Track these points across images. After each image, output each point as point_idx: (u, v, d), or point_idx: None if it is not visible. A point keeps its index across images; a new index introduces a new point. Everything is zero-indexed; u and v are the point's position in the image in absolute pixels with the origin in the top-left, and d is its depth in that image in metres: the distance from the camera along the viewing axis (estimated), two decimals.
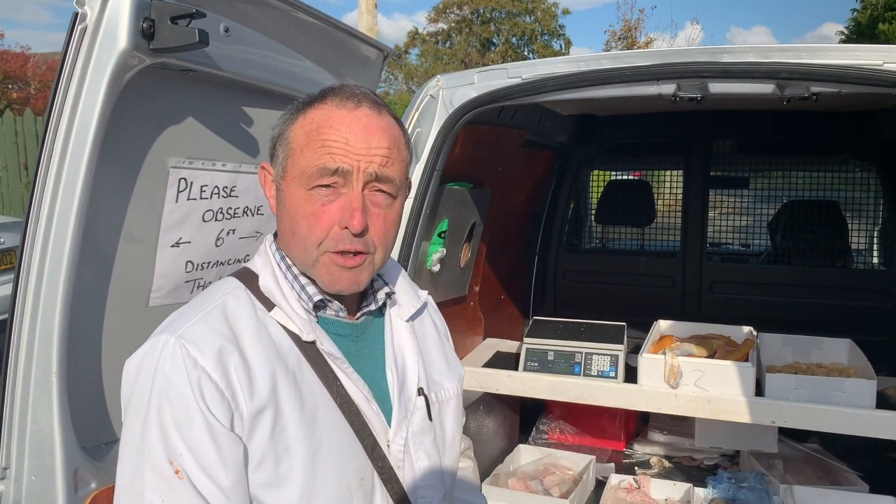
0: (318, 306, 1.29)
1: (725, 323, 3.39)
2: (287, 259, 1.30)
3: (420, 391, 1.37)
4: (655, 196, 4.70)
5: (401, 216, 1.32)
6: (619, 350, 3.09)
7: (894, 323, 3.84)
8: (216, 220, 1.95)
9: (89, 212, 1.54)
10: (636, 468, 3.44)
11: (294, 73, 2.02)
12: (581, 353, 3.11)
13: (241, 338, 1.19)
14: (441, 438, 1.41)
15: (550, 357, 3.14)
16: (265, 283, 1.28)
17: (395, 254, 2.08)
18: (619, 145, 4.58)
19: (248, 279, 1.30)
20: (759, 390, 2.84)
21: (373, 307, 1.37)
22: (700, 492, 2.96)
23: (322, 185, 1.21)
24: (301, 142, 1.23)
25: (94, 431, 1.73)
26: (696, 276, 4.32)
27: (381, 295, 1.38)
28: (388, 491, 1.29)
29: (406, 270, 1.80)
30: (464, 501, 1.62)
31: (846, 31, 21.39)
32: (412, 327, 1.42)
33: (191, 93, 1.77)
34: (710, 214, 4.44)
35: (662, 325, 3.47)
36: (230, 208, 1.98)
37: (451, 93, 2.60)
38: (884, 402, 2.76)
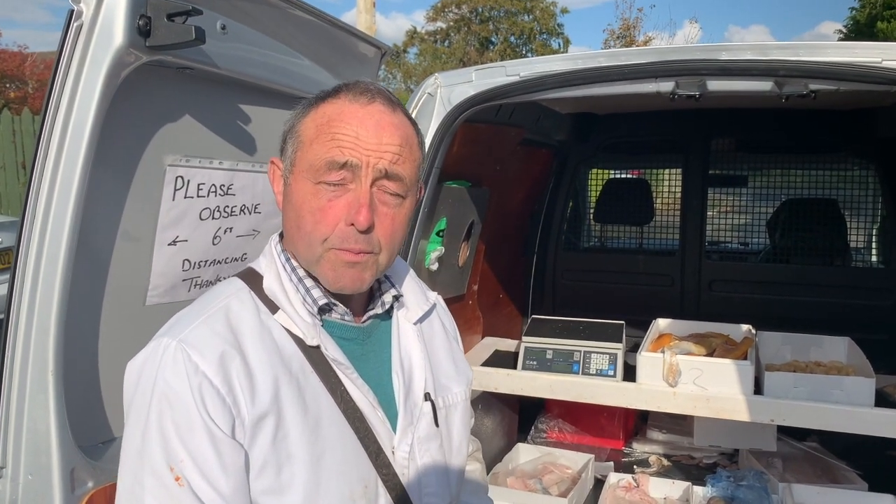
0: (324, 310, 1.27)
1: (724, 321, 3.39)
2: (292, 260, 1.28)
3: (427, 396, 1.35)
4: (654, 194, 4.69)
5: (409, 218, 1.29)
6: (618, 349, 3.08)
7: (893, 321, 3.84)
8: (213, 218, 1.94)
9: (85, 210, 1.53)
10: (635, 467, 3.43)
11: (291, 70, 2.02)
12: (580, 351, 3.10)
13: (243, 342, 1.17)
14: (448, 444, 1.39)
15: (549, 356, 3.14)
16: (269, 284, 1.26)
17: None
18: (617, 144, 4.58)
19: (253, 280, 1.27)
20: (758, 389, 2.84)
21: (379, 310, 1.35)
22: (699, 490, 2.96)
23: (330, 182, 1.18)
24: (311, 135, 1.21)
25: (90, 430, 1.72)
26: (695, 274, 4.32)
27: (388, 297, 1.35)
28: (392, 499, 1.27)
29: None
30: None
31: (844, 30, 21.40)
32: (420, 330, 1.40)
33: (187, 90, 1.76)
34: (709, 213, 4.44)
35: (661, 324, 3.46)
36: (227, 206, 1.98)
37: (448, 91, 2.59)
38: (883, 400, 2.76)
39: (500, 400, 3.50)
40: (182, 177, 1.81)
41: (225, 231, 2.00)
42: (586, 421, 3.68)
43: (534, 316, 3.51)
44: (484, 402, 3.36)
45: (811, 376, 2.80)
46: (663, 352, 2.93)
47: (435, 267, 3.04)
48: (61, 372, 1.55)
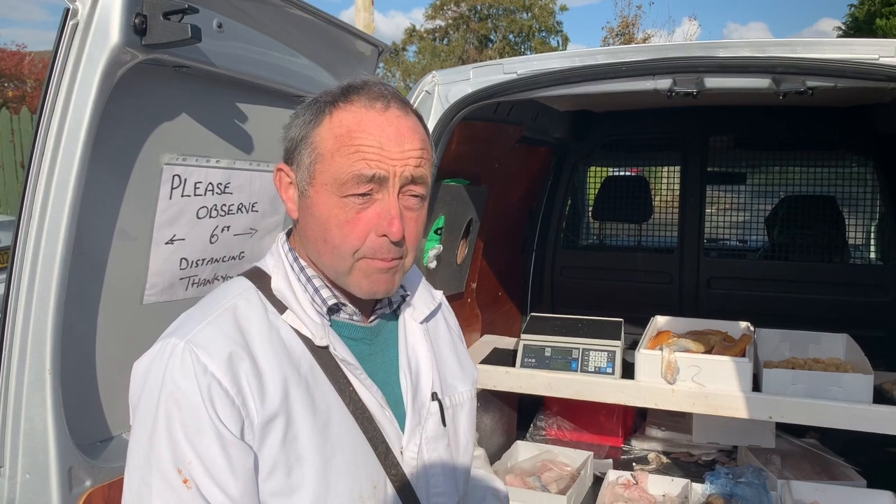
0: (332, 310, 1.26)
1: (723, 318, 3.39)
2: (301, 260, 1.27)
3: (434, 396, 1.35)
4: (653, 192, 4.69)
5: (427, 216, 1.30)
6: (617, 346, 3.09)
7: (891, 317, 3.84)
8: (210, 216, 1.94)
9: (82, 209, 1.53)
10: (634, 464, 3.43)
11: (288, 69, 2.02)
12: (578, 349, 3.11)
13: (251, 342, 1.17)
14: (455, 443, 1.39)
15: (548, 353, 3.14)
16: (278, 285, 1.25)
17: None
18: (615, 141, 4.58)
19: (260, 280, 1.27)
20: (757, 385, 2.84)
21: (387, 310, 1.35)
22: (698, 487, 2.96)
23: (357, 195, 1.17)
24: (330, 147, 1.18)
25: (88, 429, 1.72)
26: (694, 271, 4.32)
27: (395, 296, 1.35)
28: (401, 498, 1.26)
29: None
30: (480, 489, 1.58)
31: (843, 27, 21.40)
32: (426, 329, 1.40)
33: (184, 89, 1.76)
34: (708, 210, 4.44)
35: (660, 321, 3.47)
36: (224, 205, 1.98)
37: (446, 88, 2.59)
38: (881, 396, 2.76)
39: (499, 398, 3.50)
40: (179, 175, 1.81)
41: (222, 229, 2.00)
42: (585, 418, 3.68)
43: (532, 313, 3.51)
44: (483, 399, 3.36)
45: (809, 373, 2.80)
46: (662, 349, 2.93)
47: (433, 265, 3.04)
48: (59, 371, 1.54)
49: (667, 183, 4.73)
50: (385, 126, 1.17)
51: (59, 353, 1.54)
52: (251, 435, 1.13)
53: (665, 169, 4.85)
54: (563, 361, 3.10)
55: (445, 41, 32.08)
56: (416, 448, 1.30)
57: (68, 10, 1.47)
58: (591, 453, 3.32)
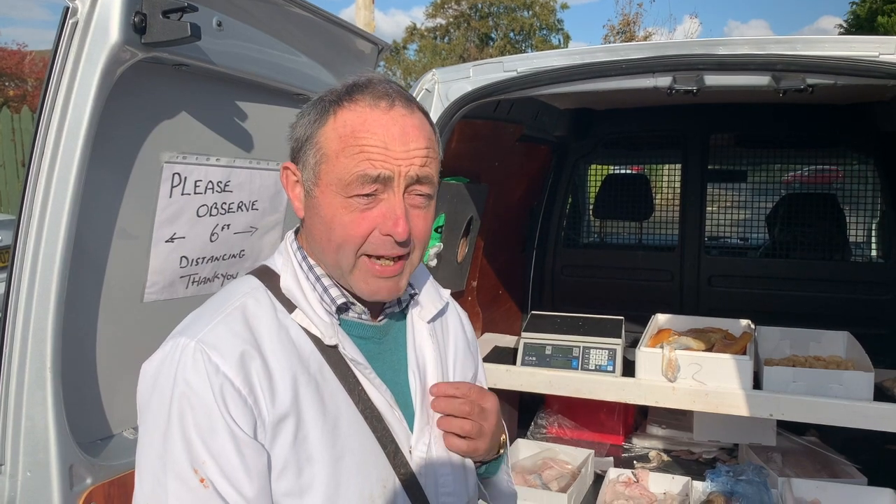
0: (341, 309, 1.26)
1: (723, 316, 3.39)
2: (309, 259, 1.27)
3: None
4: (653, 190, 4.69)
5: (435, 213, 1.29)
6: (617, 344, 3.09)
7: (892, 315, 3.84)
8: (210, 215, 1.94)
9: (82, 208, 1.53)
10: (635, 462, 3.43)
11: (287, 67, 2.02)
12: (579, 347, 3.11)
13: (261, 342, 1.16)
14: None
15: (548, 351, 3.14)
16: (287, 284, 1.25)
17: None
18: (616, 139, 4.58)
19: (268, 279, 1.26)
20: (757, 383, 2.84)
21: (396, 309, 1.35)
22: (698, 485, 2.96)
23: (362, 195, 1.16)
24: (335, 147, 1.17)
25: (89, 427, 1.73)
26: (695, 269, 4.32)
27: (404, 295, 1.35)
28: (409, 498, 1.26)
29: None
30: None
31: (845, 25, 21.35)
32: (433, 329, 1.39)
33: (184, 87, 1.76)
34: (709, 208, 4.44)
35: (660, 319, 3.46)
36: (224, 203, 1.98)
37: (446, 87, 2.59)
38: (881, 394, 2.76)
39: (500, 396, 3.47)
40: (179, 174, 1.81)
41: (222, 228, 2.00)
42: (586, 416, 3.68)
43: (533, 312, 3.51)
44: None
45: (810, 371, 2.80)
46: (662, 347, 2.93)
47: (433, 263, 3.04)
48: (59, 369, 1.55)
49: (667, 181, 4.72)
50: (390, 125, 1.17)
51: (59, 352, 1.54)
52: (263, 434, 1.13)
53: (666, 167, 4.85)
54: (564, 359, 3.10)
55: (446, 39, 32.05)
56: (424, 447, 1.29)
57: (68, 8, 1.47)
58: (592, 451, 3.32)
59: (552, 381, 3.08)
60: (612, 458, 3.42)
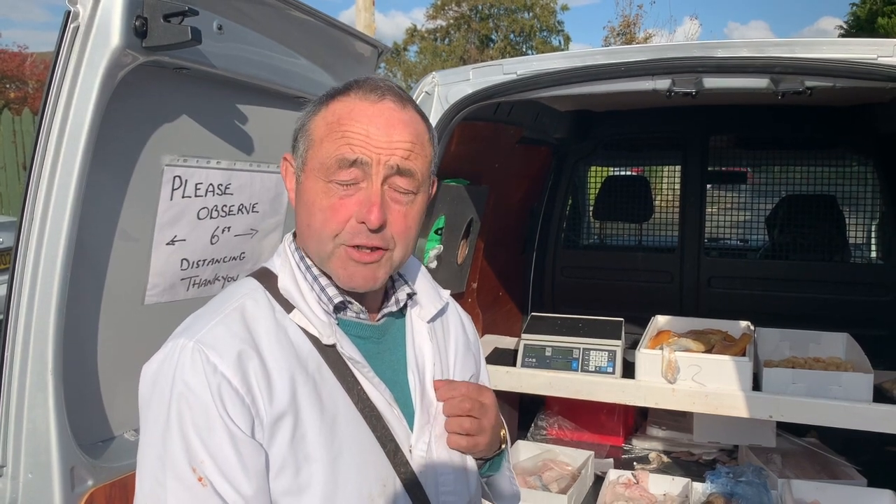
0: (339, 308, 1.27)
1: (723, 318, 3.39)
2: (307, 259, 1.28)
3: None
4: (653, 192, 4.70)
5: (423, 213, 1.29)
6: (617, 346, 3.09)
7: (892, 317, 3.84)
8: (211, 217, 1.95)
9: (83, 210, 1.54)
10: (635, 463, 3.44)
11: (288, 70, 2.02)
12: (579, 348, 3.11)
13: (260, 342, 1.17)
14: None
15: (548, 353, 3.14)
16: (284, 284, 1.26)
17: None
18: (616, 141, 4.59)
19: (267, 280, 1.27)
20: (757, 385, 2.84)
21: (394, 308, 1.35)
22: (698, 486, 2.96)
23: (341, 181, 1.18)
24: (321, 133, 1.21)
25: (90, 429, 1.73)
26: (694, 271, 4.33)
27: (402, 295, 1.36)
28: (410, 497, 1.26)
29: None
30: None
31: (845, 26, 21.36)
32: (432, 328, 1.40)
33: (184, 91, 1.77)
34: (708, 210, 4.44)
35: (660, 321, 3.47)
36: (225, 206, 1.99)
37: (446, 89, 2.60)
38: (881, 395, 2.76)
39: (500, 397, 3.47)
40: (180, 176, 1.82)
41: (223, 230, 2.01)
42: (586, 418, 3.69)
43: (533, 313, 3.52)
44: None
45: (810, 372, 2.80)
46: (662, 348, 2.93)
47: (434, 265, 3.04)
48: (61, 371, 1.55)
49: (667, 182, 4.73)
50: (375, 116, 1.19)
51: (60, 354, 1.55)
52: (261, 433, 1.14)
53: (665, 168, 4.86)
54: (564, 361, 3.11)
55: (446, 41, 32.05)
56: (424, 446, 1.29)
57: (69, 12, 1.48)
58: (592, 453, 3.32)
59: (552, 382, 3.08)
60: (612, 460, 3.42)
